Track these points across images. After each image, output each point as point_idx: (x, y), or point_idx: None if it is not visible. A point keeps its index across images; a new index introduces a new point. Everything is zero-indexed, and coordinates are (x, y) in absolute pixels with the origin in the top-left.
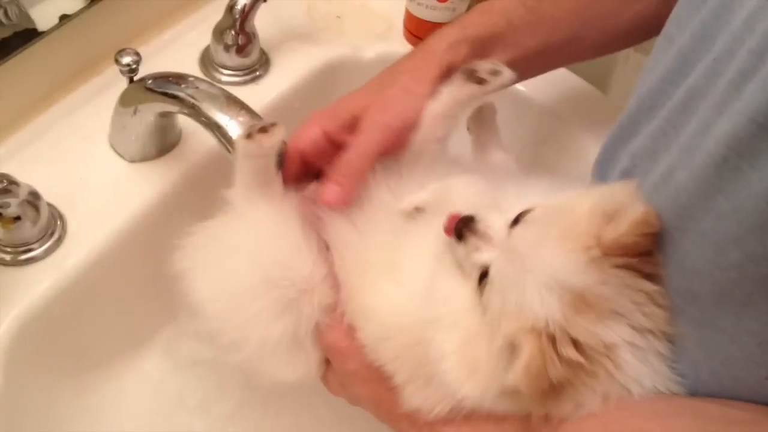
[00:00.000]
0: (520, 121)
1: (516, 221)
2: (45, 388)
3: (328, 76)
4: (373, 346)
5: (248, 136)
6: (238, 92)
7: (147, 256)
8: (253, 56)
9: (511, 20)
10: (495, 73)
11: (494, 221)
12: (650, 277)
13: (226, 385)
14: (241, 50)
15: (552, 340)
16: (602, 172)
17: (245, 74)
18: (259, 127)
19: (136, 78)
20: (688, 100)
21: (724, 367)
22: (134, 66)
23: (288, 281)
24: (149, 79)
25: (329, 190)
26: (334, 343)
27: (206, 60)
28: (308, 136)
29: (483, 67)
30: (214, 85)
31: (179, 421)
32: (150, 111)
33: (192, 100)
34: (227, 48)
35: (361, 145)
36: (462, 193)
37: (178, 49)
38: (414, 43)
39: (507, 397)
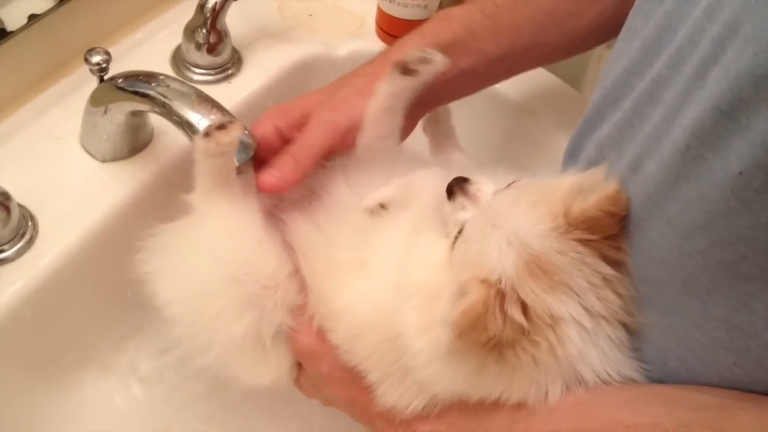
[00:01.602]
0: (493, 119)
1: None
2: (19, 390)
3: (300, 74)
4: (345, 346)
5: (206, 134)
6: (211, 91)
7: (119, 256)
8: (225, 55)
9: (470, 27)
10: (425, 61)
11: (485, 185)
12: (612, 262)
13: (205, 386)
14: (212, 49)
15: (501, 296)
16: (570, 163)
17: (217, 73)
18: (217, 125)
19: (106, 77)
20: (652, 90)
21: (691, 354)
22: (104, 65)
23: (251, 277)
24: (119, 78)
25: (267, 174)
26: (305, 347)
27: (178, 59)
28: (260, 132)
29: (412, 57)
30: (185, 84)
31: (157, 421)
32: (121, 110)
33: (163, 99)
34: (198, 47)
35: (304, 139)
36: (425, 186)
37: (149, 48)
38: (386, 41)
39: (453, 358)
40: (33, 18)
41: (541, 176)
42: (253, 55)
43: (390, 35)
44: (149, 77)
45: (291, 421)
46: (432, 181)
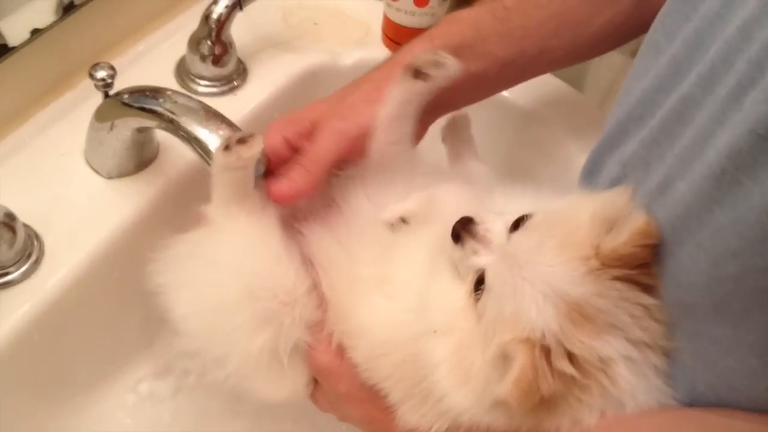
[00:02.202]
0: (500, 126)
1: (516, 226)
2: (27, 415)
3: (306, 83)
4: (365, 364)
5: (226, 147)
6: (216, 103)
7: (127, 274)
8: (230, 66)
9: (479, 30)
10: (437, 65)
11: (493, 224)
12: (648, 289)
13: (213, 407)
14: (217, 60)
15: (546, 352)
16: (590, 180)
17: (222, 85)
18: (237, 138)
19: (111, 92)
20: (683, 110)
21: (720, 379)
22: (109, 80)
23: (269, 292)
24: (125, 94)
25: (279, 184)
26: (323, 365)
27: (182, 71)
28: (269, 143)
29: (424, 60)
30: (192, 99)
31: None
32: (127, 126)
33: (170, 115)
34: (203, 58)
35: (315, 149)
36: (448, 202)
37: (153, 59)
38: (393, 49)
39: (499, 410)
40: (35, 32)
41: (555, 197)
42: (259, 65)
43: (396, 43)
44: (155, 92)
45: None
46: (455, 197)
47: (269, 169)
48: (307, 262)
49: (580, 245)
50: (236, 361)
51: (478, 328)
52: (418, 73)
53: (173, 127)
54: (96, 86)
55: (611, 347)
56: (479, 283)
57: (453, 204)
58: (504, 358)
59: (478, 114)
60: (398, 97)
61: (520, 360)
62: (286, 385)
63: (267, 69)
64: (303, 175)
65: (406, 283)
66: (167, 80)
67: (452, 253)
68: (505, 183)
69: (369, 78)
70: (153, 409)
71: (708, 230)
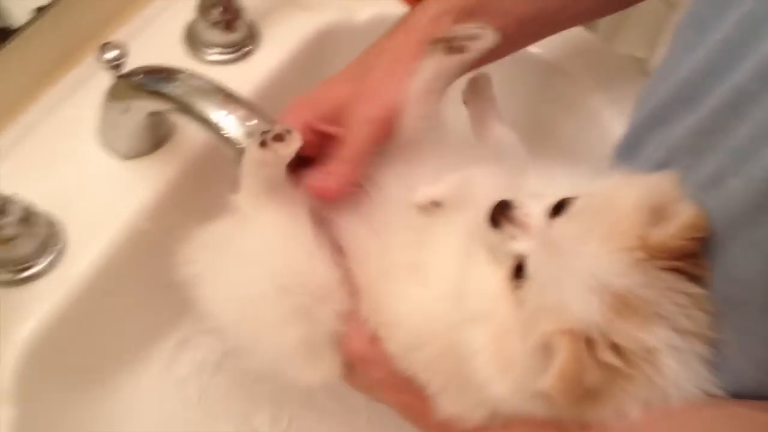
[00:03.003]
0: (523, 81)
1: (556, 210)
2: (59, 408)
3: (321, 44)
4: (403, 355)
5: (262, 144)
6: (230, 71)
7: (151, 257)
8: (242, 30)
9: None
10: (474, 37)
11: (532, 208)
12: (695, 278)
13: (241, 387)
14: (229, 26)
15: (590, 343)
16: (629, 157)
17: (235, 51)
18: (274, 135)
19: (123, 72)
20: (736, 103)
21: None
22: (120, 60)
23: (302, 288)
24: (138, 74)
25: (322, 179)
26: (357, 353)
27: (191, 38)
28: None
29: (460, 33)
30: (207, 80)
31: (197, 422)
32: (142, 109)
33: (185, 99)
34: (214, 25)
35: (351, 141)
36: (483, 185)
37: (160, 27)
38: (410, 2)
39: (541, 400)
40: (40, 11)
41: (594, 176)
42: (270, 27)
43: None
44: (169, 74)
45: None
46: (489, 180)
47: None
48: (338, 250)
49: (626, 234)
50: (270, 353)
51: (517, 315)
52: (452, 47)
53: (188, 110)
54: (106, 67)
55: (656, 337)
56: (519, 269)
57: (488, 187)
58: (547, 349)
59: (500, 70)
60: (431, 72)
61: (564, 352)
62: (321, 370)
63: (279, 30)
64: (344, 168)
65: (440, 271)
66: (175, 49)
67: (489, 237)
68: (536, 153)
69: (385, 47)
70: (184, 389)
71: (764, 231)
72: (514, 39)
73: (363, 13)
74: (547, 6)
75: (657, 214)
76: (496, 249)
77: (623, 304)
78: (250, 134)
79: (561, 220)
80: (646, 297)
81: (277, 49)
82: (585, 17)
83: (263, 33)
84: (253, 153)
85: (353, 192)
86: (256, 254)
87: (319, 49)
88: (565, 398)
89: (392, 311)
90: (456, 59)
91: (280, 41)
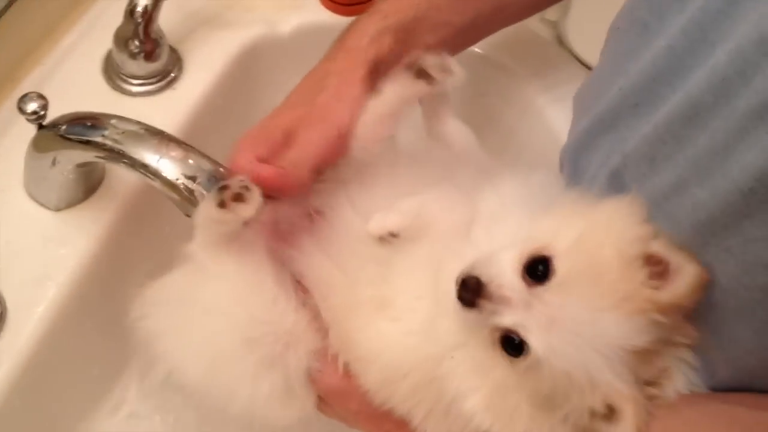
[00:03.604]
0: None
1: (530, 271)
2: None
3: (247, 61)
4: (380, 389)
5: (221, 204)
6: (156, 102)
7: (99, 306)
8: (164, 58)
9: (431, 1)
10: (447, 71)
11: (503, 276)
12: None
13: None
14: (149, 56)
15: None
16: (579, 162)
17: (158, 80)
18: (234, 194)
19: (45, 122)
20: (692, 115)
21: (742, 372)
22: (41, 112)
23: (270, 336)
24: (62, 125)
25: (270, 168)
26: (331, 387)
27: (111, 70)
28: (243, 167)
29: (432, 63)
30: (138, 124)
31: None
32: (70, 160)
33: (118, 146)
34: (133, 56)
35: (300, 152)
36: (437, 212)
37: (78, 62)
38: (332, 9)
39: None
40: None
41: (549, 201)
42: (193, 50)
43: (337, 2)
44: (96, 120)
45: None
46: (443, 206)
47: None
48: (302, 288)
49: (633, 297)
50: (244, 403)
51: (514, 377)
52: (423, 74)
53: (122, 158)
54: (28, 120)
55: (667, 359)
56: (507, 339)
57: (439, 216)
58: (593, 413)
59: None
60: (396, 96)
61: (629, 412)
62: (296, 408)
63: (202, 52)
64: (293, 170)
65: (407, 306)
66: (96, 84)
67: (466, 318)
68: (486, 165)
69: (329, 70)
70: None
71: (738, 239)
72: (454, 46)
73: (286, 25)
74: (481, 13)
75: (652, 264)
76: (474, 325)
77: (646, 353)
78: (191, 176)
79: (547, 292)
80: (659, 343)
81: (202, 72)
82: (518, 16)
83: (186, 57)
84: (210, 213)
85: (299, 214)
86: (219, 308)
87: (245, 66)
88: None
89: (363, 347)
90: (425, 87)
91: (205, 64)
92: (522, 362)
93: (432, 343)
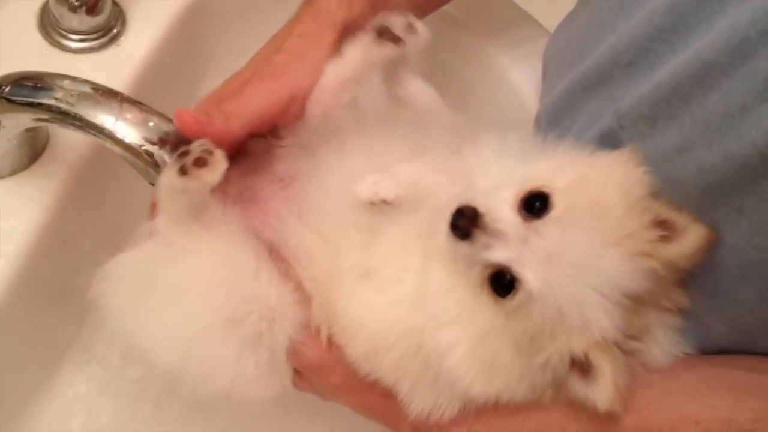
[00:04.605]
0: None
1: (527, 207)
2: None
3: (194, 17)
4: (364, 360)
5: (182, 170)
6: (101, 59)
7: (52, 277)
8: (106, 11)
9: None
10: (411, 30)
11: (499, 211)
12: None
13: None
14: (91, 10)
15: (617, 344)
16: (561, 122)
17: (101, 36)
18: (195, 159)
19: None
20: (704, 75)
21: (737, 332)
22: None
23: (254, 315)
24: (5, 86)
25: (189, 112)
26: (313, 361)
27: (48, 25)
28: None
29: (397, 22)
30: (90, 83)
31: None
32: (17, 125)
33: (70, 108)
34: (74, 9)
35: (240, 101)
36: (435, 184)
37: (8, 15)
38: None
39: (534, 392)
40: None
41: (536, 151)
42: (136, 3)
43: None
44: (39, 80)
45: None
46: (437, 177)
47: None
48: (281, 258)
49: (631, 237)
50: (224, 383)
51: (500, 321)
52: (389, 34)
53: (75, 121)
54: None
55: (652, 317)
56: (497, 277)
57: (437, 183)
58: (573, 362)
59: None
60: (360, 59)
61: (607, 367)
62: (276, 385)
63: (147, 7)
64: (220, 120)
65: (393, 275)
66: (31, 39)
67: (458, 249)
68: (462, 128)
69: (294, 31)
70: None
71: (752, 199)
72: (425, 8)
73: None
74: None
75: (655, 215)
76: (465, 259)
77: (636, 302)
78: (151, 139)
79: (547, 226)
80: (650, 292)
81: (147, 28)
82: None
83: (129, 12)
84: (172, 181)
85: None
86: (195, 286)
87: (193, 22)
88: (621, 405)
89: (348, 317)
90: (391, 49)
91: (149, 19)
92: (510, 302)
93: (420, 309)
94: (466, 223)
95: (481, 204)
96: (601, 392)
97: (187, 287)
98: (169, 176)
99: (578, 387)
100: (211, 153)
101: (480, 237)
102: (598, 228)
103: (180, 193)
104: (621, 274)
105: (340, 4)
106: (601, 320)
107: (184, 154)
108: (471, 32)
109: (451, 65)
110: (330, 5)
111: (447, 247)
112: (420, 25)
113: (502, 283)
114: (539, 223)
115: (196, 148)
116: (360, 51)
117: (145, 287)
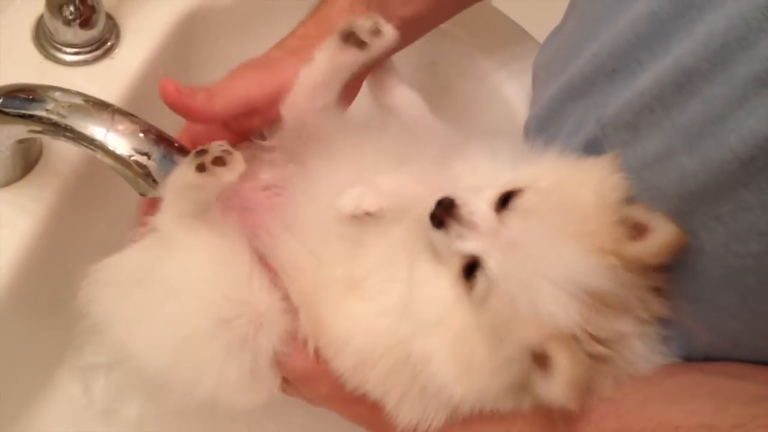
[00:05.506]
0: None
1: (502, 203)
2: None
3: (188, 29)
4: (351, 374)
5: (200, 167)
6: (96, 72)
7: (42, 294)
8: (100, 25)
9: None
10: (376, 33)
11: (476, 205)
12: (659, 268)
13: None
14: (86, 22)
15: (576, 340)
16: (547, 130)
17: (95, 49)
18: (214, 158)
19: None
20: (684, 82)
21: (723, 339)
22: None
23: (244, 318)
24: None
25: (174, 83)
26: (300, 371)
27: (42, 38)
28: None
29: (362, 26)
30: (82, 95)
31: None
32: (10, 136)
33: (62, 120)
34: (68, 22)
35: (225, 84)
36: (417, 194)
37: (4, 28)
38: None
39: (512, 395)
40: None
41: (522, 160)
42: (129, 17)
43: None
44: (32, 92)
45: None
46: (421, 186)
47: None
48: (269, 267)
49: (598, 235)
50: (210, 388)
51: (476, 318)
52: (355, 40)
53: (68, 133)
54: None
55: (626, 325)
56: (469, 269)
57: (420, 193)
58: (534, 356)
59: None
60: (327, 64)
61: (562, 359)
62: (262, 391)
63: (140, 21)
64: (203, 97)
65: (379, 286)
66: (26, 52)
67: (434, 238)
68: (450, 138)
69: (295, 34)
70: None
71: (730, 206)
72: (429, 20)
73: None
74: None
75: (626, 217)
76: (442, 250)
77: (599, 302)
78: (141, 150)
79: (514, 217)
80: (618, 294)
81: (141, 41)
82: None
83: (122, 25)
84: (188, 177)
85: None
86: (190, 286)
87: (186, 34)
88: (579, 400)
89: (335, 331)
90: (355, 53)
91: (143, 32)
92: (476, 292)
93: (408, 318)
94: (441, 211)
95: (460, 197)
96: (556, 385)
97: (182, 284)
98: (185, 172)
99: (539, 383)
100: (230, 153)
101: (454, 227)
102: (561, 222)
103: (193, 189)
104: (578, 268)
105: (342, 12)
106: (554, 311)
107: (203, 152)
108: (467, 47)
109: (446, 79)
110: (331, 12)
111: (426, 235)
112: (387, 28)
113: (474, 274)
114: (507, 214)
115: (215, 147)
116: (325, 56)
117: (137, 287)
